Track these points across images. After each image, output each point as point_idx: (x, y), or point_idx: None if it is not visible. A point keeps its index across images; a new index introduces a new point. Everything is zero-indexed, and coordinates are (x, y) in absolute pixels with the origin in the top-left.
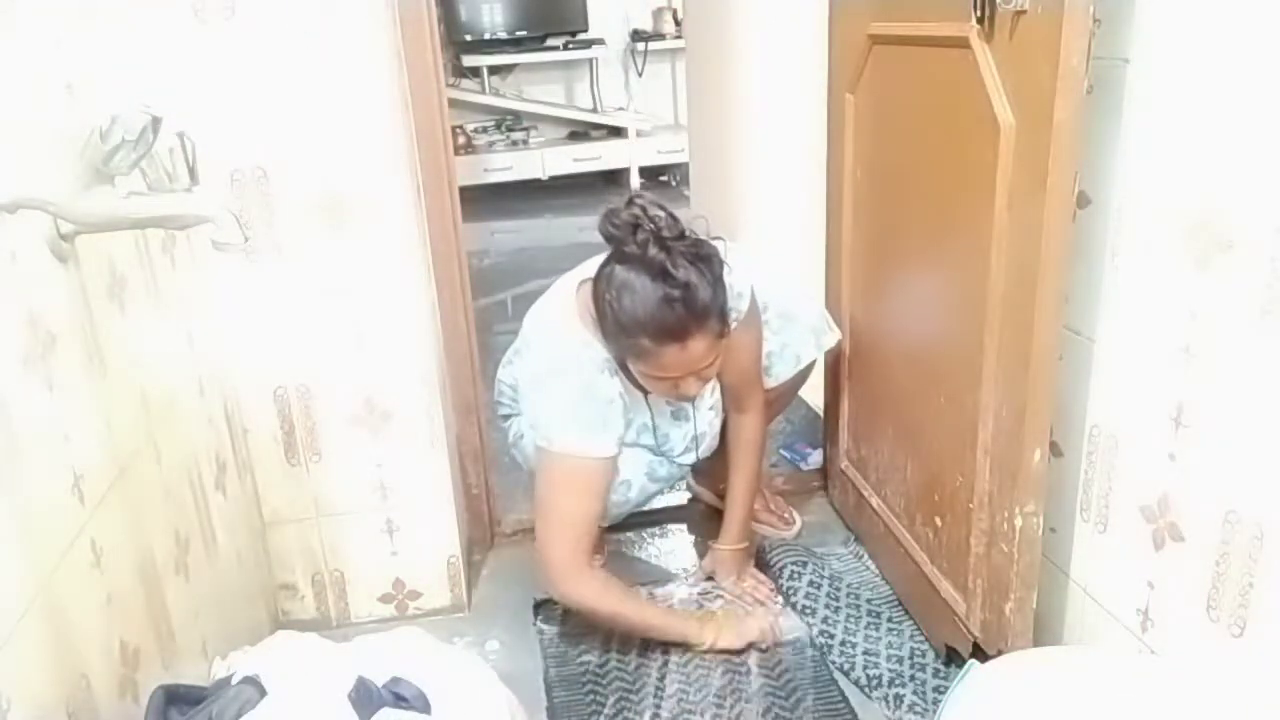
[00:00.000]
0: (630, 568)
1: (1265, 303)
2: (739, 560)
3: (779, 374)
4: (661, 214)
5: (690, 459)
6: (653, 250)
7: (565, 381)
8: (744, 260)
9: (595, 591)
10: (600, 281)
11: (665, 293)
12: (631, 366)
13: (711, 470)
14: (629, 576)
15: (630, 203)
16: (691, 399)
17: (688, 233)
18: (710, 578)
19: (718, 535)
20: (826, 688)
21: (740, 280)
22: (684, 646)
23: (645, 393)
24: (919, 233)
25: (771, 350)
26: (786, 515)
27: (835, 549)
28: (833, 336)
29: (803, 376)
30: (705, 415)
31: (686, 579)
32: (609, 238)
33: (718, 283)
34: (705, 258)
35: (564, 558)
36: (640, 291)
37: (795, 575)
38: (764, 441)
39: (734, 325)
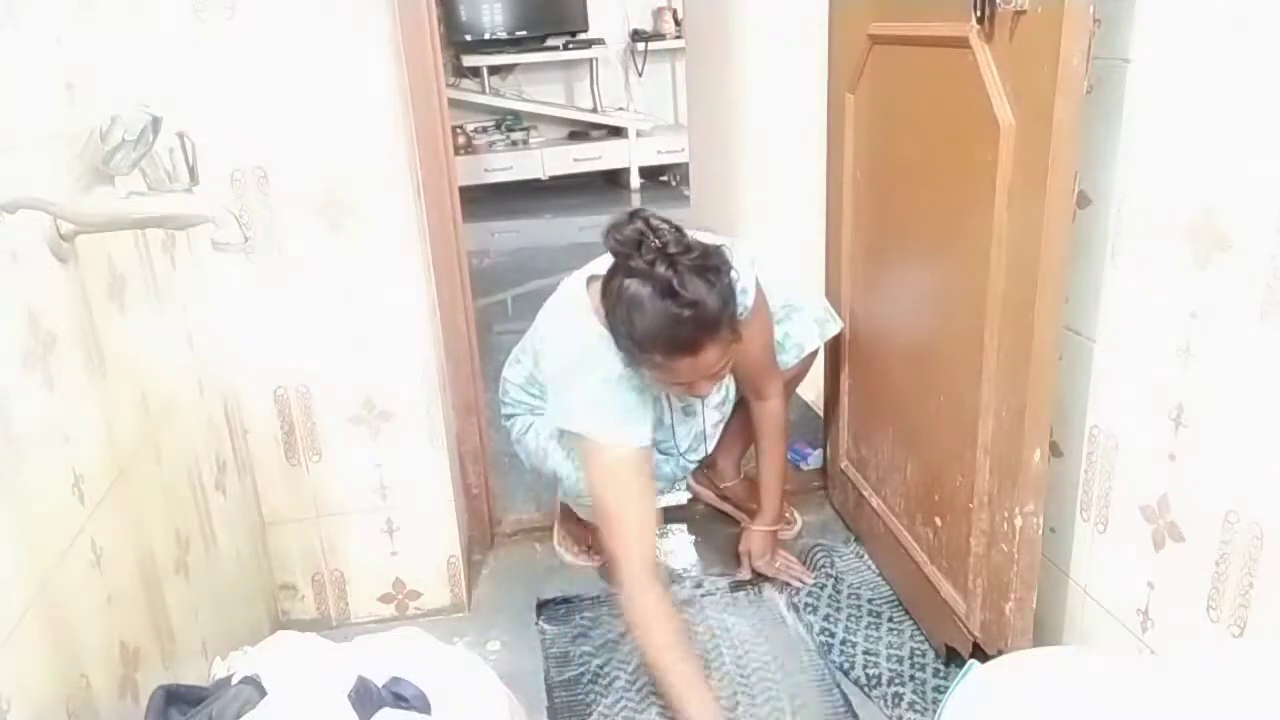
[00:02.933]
0: None
1: (1265, 303)
2: (772, 541)
3: (784, 362)
4: (666, 227)
5: (696, 456)
6: (660, 267)
7: (591, 375)
8: (747, 255)
9: (650, 614)
10: (609, 296)
11: (675, 312)
12: (645, 374)
13: (712, 470)
14: None
15: (633, 217)
16: (704, 396)
17: (693, 245)
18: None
19: (717, 535)
20: (827, 690)
21: (745, 275)
22: (703, 629)
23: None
24: (919, 233)
25: (777, 340)
26: (787, 515)
27: (835, 549)
28: (835, 325)
29: (808, 362)
30: (711, 414)
31: (687, 580)
32: (614, 253)
33: (727, 291)
34: (713, 268)
35: (630, 560)
36: (650, 310)
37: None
38: (788, 424)
39: (742, 319)
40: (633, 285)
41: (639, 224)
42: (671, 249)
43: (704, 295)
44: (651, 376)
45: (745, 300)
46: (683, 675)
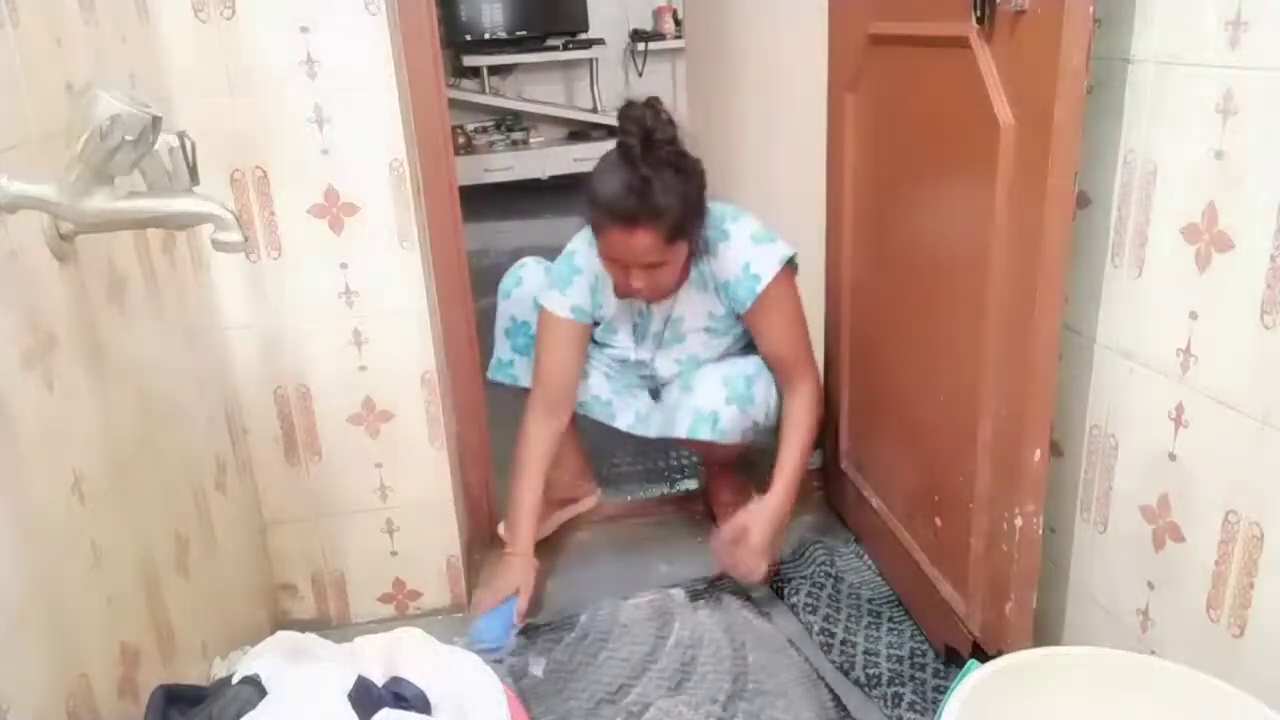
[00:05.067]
0: (629, 569)
1: (1265, 303)
2: (762, 516)
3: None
4: (666, 119)
5: (650, 385)
6: (635, 142)
7: (561, 255)
8: (780, 253)
9: (524, 435)
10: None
11: (626, 179)
12: (595, 243)
13: (714, 481)
14: (604, 584)
15: (647, 103)
16: (641, 296)
17: (679, 143)
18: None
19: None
20: (815, 688)
21: (761, 262)
22: (674, 641)
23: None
24: (919, 233)
25: (738, 275)
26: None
27: (836, 549)
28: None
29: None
30: (669, 363)
31: (686, 580)
32: (619, 127)
33: (686, 195)
34: (684, 170)
35: (534, 397)
36: (609, 173)
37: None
38: (810, 419)
39: (748, 307)
40: (614, 152)
41: (646, 109)
42: (656, 136)
43: (659, 179)
44: (599, 252)
45: (756, 286)
46: (520, 499)
